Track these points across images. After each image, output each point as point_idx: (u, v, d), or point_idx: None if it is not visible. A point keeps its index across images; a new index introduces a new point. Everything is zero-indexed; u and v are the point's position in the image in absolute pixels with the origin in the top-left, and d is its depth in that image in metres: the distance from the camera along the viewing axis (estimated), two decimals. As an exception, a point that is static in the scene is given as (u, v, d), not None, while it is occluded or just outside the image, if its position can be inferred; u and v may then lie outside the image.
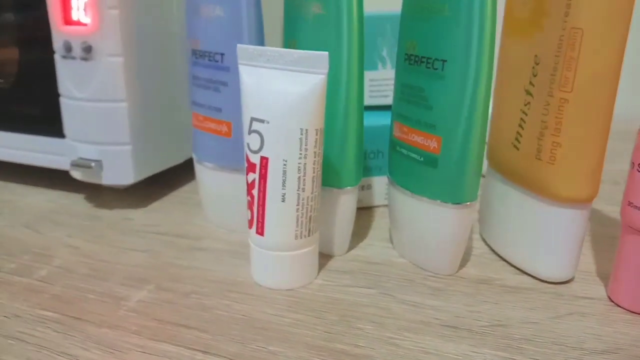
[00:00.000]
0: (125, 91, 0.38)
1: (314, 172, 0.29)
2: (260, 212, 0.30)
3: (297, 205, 0.29)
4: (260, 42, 0.33)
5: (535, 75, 0.30)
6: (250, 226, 0.31)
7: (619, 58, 0.27)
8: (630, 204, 0.28)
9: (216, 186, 0.37)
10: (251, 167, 0.30)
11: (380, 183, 0.41)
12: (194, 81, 0.36)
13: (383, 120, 0.39)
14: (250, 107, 0.29)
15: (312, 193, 0.29)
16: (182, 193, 0.45)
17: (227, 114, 0.35)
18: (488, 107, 0.29)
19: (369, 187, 0.41)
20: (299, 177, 0.29)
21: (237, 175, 0.36)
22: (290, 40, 0.33)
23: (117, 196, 0.44)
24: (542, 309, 0.29)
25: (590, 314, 0.29)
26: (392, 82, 0.40)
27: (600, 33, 0.27)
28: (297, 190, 0.29)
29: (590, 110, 0.28)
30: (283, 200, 0.29)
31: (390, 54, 0.41)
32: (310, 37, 0.32)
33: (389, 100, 0.42)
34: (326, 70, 0.27)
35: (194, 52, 0.36)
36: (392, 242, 0.36)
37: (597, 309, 0.29)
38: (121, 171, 0.39)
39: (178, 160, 0.45)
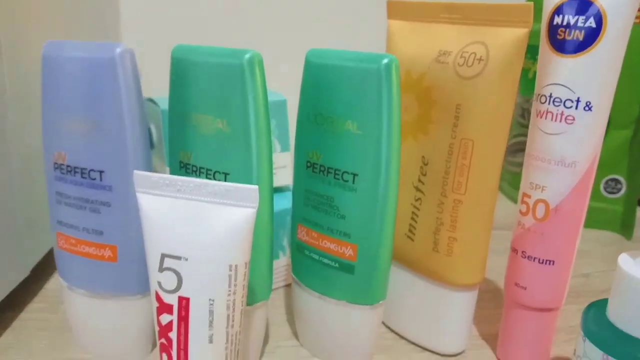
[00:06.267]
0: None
1: (242, 305, 0.27)
2: (182, 356, 0.27)
3: (227, 343, 0.27)
4: (148, 158, 0.30)
5: (424, 175, 0.33)
6: (167, 371, 0.27)
7: (501, 161, 0.31)
8: (516, 284, 0.32)
9: (99, 315, 0.32)
10: (166, 308, 0.27)
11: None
12: (59, 198, 0.31)
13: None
14: (159, 242, 0.26)
15: (240, 326, 0.27)
16: (32, 314, 0.38)
17: (111, 237, 0.30)
18: (396, 212, 0.30)
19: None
20: (228, 315, 0.26)
21: (126, 301, 0.31)
22: (183, 152, 0.30)
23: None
24: (457, 388, 0.32)
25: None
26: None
27: (488, 143, 0.30)
28: (226, 328, 0.27)
29: (481, 208, 0.31)
30: (210, 342, 0.26)
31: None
32: (210, 152, 0.29)
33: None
34: (256, 204, 0.25)
35: (58, 166, 0.30)
36: (298, 338, 0.36)
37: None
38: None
39: (24, 273, 0.38)
